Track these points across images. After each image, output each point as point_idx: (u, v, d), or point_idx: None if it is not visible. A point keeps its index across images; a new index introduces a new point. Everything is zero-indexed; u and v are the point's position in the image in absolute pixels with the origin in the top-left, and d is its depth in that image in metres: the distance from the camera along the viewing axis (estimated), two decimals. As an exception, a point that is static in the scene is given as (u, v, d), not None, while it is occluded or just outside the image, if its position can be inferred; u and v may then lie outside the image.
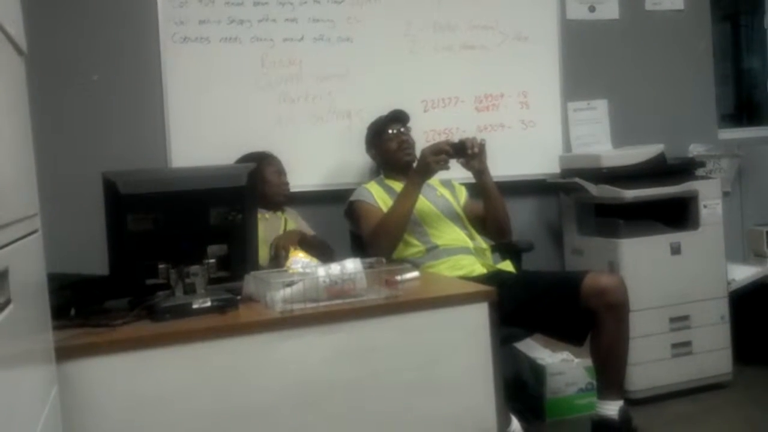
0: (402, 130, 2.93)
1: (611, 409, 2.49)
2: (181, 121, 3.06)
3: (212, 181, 1.90)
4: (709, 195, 3.27)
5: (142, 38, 3.03)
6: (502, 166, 3.28)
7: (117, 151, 2.95)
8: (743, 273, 3.43)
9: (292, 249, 2.27)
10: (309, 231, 2.88)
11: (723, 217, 3.33)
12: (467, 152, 2.63)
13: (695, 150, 3.76)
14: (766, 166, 3.82)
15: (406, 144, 2.91)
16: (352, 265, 1.84)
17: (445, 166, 2.61)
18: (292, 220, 2.91)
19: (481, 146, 2.65)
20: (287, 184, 2.93)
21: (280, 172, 2.92)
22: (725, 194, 3.66)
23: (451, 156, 2.62)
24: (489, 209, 2.79)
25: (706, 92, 3.88)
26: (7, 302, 1.01)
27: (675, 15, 3.80)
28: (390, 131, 2.92)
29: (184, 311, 1.74)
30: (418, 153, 2.87)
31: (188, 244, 1.81)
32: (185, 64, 3.07)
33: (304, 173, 3.15)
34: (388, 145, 2.92)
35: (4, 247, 1.02)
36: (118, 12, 3.01)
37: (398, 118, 2.96)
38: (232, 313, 1.77)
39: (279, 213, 2.91)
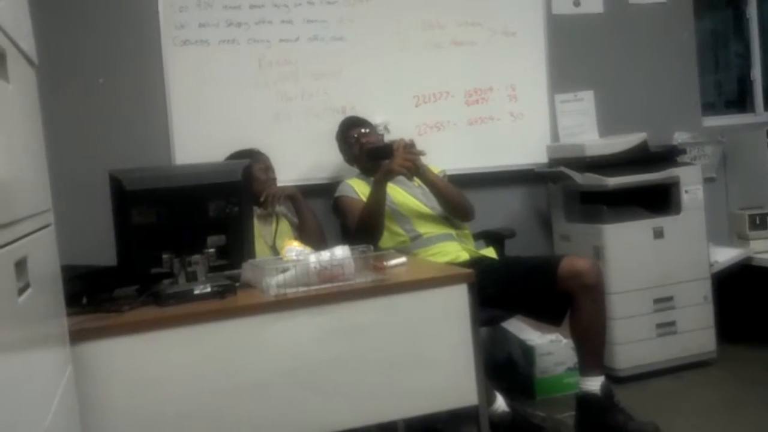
0: (362, 131, 3.08)
1: (593, 384, 2.61)
2: (183, 121, 3.19)
3: (210, 176, 2.04)
4: (691, 181, 3.38)
5: (144, 42, 3.16)
6: (493, 157, 3.44)
7: (124, 149, 3.08)
8: (726, 255, 3.54)
9: (286, 239, 2.41)
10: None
11: (707, 202, 3.44)
12: (394, 154, 2.78)
13: (679, 138, 3.87)
14: (749, 152, 3.91)
15: (368, 143, 3.05)
16: (341, 251, 1.98)
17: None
18: (283, 216, 2.99)
19: (408, 146, 2.79)
20: (275, 179, 2.99)
21: (268, 168, 2.98)
22: (710, 180, 3.79)
23: (378, 158, 2.85)
24: (439, 199, 2.93)
25: (690, 81, 3.98)
26: (26, 286, 1.16)
27: (658, 7, 3.90)
28: (353, 136, 3.08)
29: (186, 297, 1.87)
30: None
31: (189, 235, 1.95)
32: (186, 66, 3.19)
33: (302, 168, 3.29)
34: (353, 150, 3.09)
35: (22, 238, 1.17)
36: (122, 18, 3.14)
37: (354, 123, 3.12)
38: (231, 297, 1.90)
39: (270, 209, 2.92)
